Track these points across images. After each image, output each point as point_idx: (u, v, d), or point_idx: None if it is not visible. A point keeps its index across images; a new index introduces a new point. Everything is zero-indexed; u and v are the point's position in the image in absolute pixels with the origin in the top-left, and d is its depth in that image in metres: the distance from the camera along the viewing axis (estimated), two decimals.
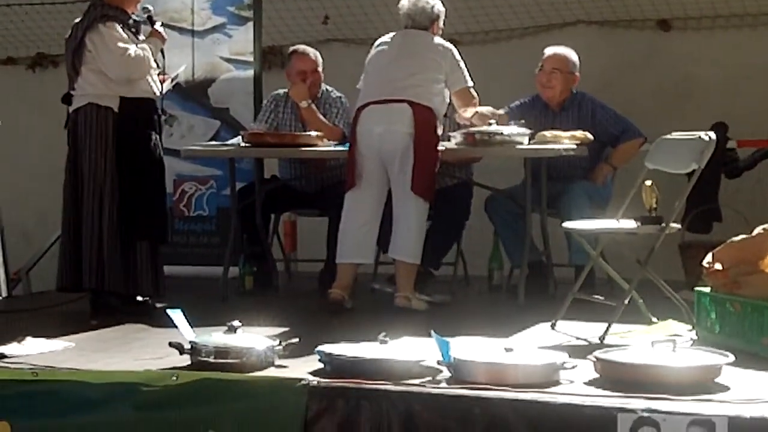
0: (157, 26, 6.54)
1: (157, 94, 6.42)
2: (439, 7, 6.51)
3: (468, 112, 6.53)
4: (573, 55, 7.12)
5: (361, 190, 6.33)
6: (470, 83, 6.48)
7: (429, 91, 6.32)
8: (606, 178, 7.05)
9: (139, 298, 6.36)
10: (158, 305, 6.18)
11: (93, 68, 6.26)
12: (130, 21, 6.37)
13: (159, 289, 6.37)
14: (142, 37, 6.42)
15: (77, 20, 6.37)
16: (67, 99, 6.38)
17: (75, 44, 6.28)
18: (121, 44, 6.21)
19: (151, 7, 6.58)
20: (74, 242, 6.28)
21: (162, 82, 6.51)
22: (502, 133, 6.43)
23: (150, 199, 6.33)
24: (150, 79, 6.35)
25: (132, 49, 6.23)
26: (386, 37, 6.57)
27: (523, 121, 6.65)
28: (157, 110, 6.44)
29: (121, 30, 6.26)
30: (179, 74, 7.04)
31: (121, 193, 6.24)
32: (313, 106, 7.14)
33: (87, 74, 6.27)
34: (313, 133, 6.89)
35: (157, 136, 6.40)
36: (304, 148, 6.81)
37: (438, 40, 6.46)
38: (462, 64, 6.47)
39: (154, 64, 6.39)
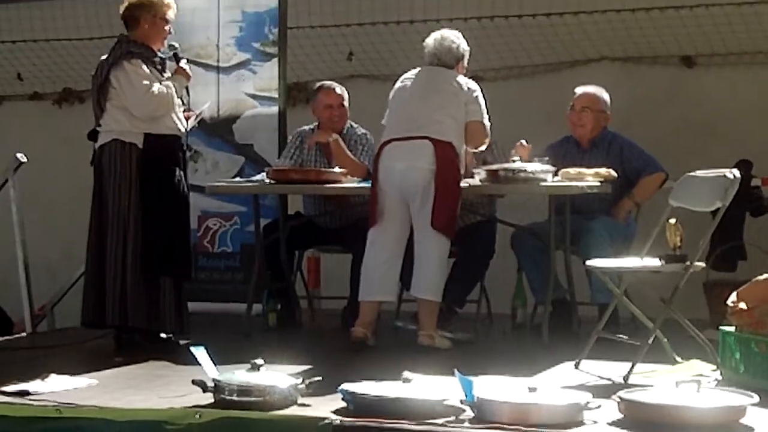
0: (183, 63, 6.58)
1: (182, 130, 6.46)
2: (465, 47, 6.54)
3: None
4: (604, 94, 7.14)
5: (383, 226, 6.33)
6: (486, 119, 6.45)
7: (451, 127, 6.32)
8: (628, 213, 7.03)
9: (163, 335, 6.36)
10: (182, 342, 6.19)
11: (118, 105, 6.29)
12: (156, 58, 6.41)
13: (183, 326, 6.38)
14: (167, 74, 6.46)
15: (103, 57, 6.41)
16: (93, 135, 6.42)
17: (100, 81, 6.32)
18: (144, 81, 6.24)
19: (177, 45, 6.62)
20: (98, 278, 6.30)
21: (187, 119, 6.55)
22: (525, 170, 6.43)
23: (174, 236, 6.34)
24: (175, 116, 6.39)
25: (156, 86, 6.26)
26: (410, 73, 6.59)
27: (546, 158, 6.65)
28: (182, 147, 6.47)
29: (145, 67, 6.29)
30: (204, 111, 7.07)
31: (144, 230, 6.25)
32: (341, 141, 7.16)
33: (112, 111, 6.31)
34: (338, 170, 6.91)
35: (182, 173, 6.42)
36: (328, 185, 6.83)
37: (462, 78, 6.47)
38: (482, 101, 6.47)
39: (178, 101, 6.42)
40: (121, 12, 6.45)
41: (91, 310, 6.33)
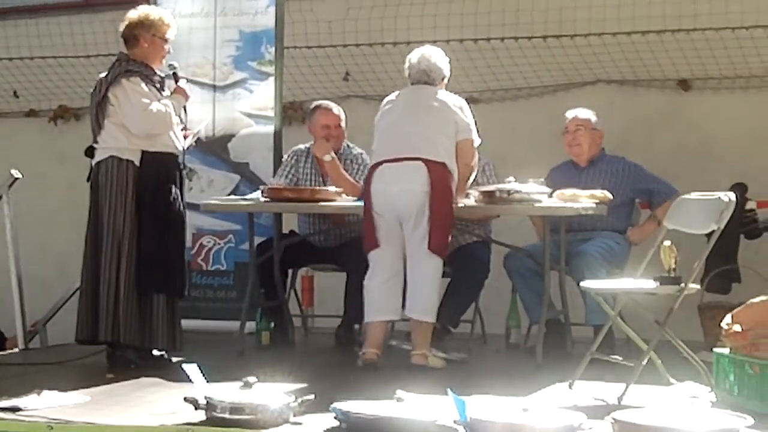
0: (182, 83, 6.59)
1: (179, 149, 6.46)
2: (447, 66, 6.53)
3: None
4: (592, 114, 7.22)
5: (382, 248, 6.31)
6: (476, 138, 6.45)
7: (443, 145, 6.30)
8: (651, 235, 7.02)
9: (156, 352, 6.34)
10: (174, 359, 6.18)
11: (116, 122, 6.29)
12: (155, 77, 6.41)
13: (176, 343, 6.36)
14: (166, 92, 6.46)
15: (102, 75, 6.41)
16: (90, 152, 6.42)
17: (99, 98, 6.32)
18: (143, 99, 6.24)
19: (176, 64, 6.63)
20: (92, 294, 6.29)
21: (185, 137, 6.54)
22: (520, 191, 6.43)
23: (168, 253, 6.33)
24: (173, 134, 6.38)
25: (154, 104, 6.26)
26: (394, 95, 6.58)
27: (542, 179, 6.65)
28: (179, 165, 6.47)
29: (144, 85, 6.29)
30: (201, 130, 7.08)
31: (139, 247, 6.25)
32: (337, 161, 7.15)
33: (110, 127, 6.30)
34: (332, 189, 6.91)
35: (178, 191, 6.42)
36: (322, 203, 6.83)
37: (448, 94, 6.47)
38: (471, 118, 6.47)
39: (177, 120, 6.42)
40: (120, 30, 6.46)
41: (84, 327, 6.30)
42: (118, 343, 6.25)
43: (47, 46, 9.95)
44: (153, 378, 5.86)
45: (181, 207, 6.44)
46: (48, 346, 7.56)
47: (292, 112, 9.21)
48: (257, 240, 7.24)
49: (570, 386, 5.65)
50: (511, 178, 6.56)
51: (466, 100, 7.66)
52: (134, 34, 6.38)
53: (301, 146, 7.48)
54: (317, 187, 7.15)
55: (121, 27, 6.45)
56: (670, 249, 5.48)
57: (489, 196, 6.50)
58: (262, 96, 7.90)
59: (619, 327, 6.00)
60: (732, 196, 5.47)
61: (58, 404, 5.04)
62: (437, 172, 6.22)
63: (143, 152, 6.28)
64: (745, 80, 8.44)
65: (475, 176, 7.03)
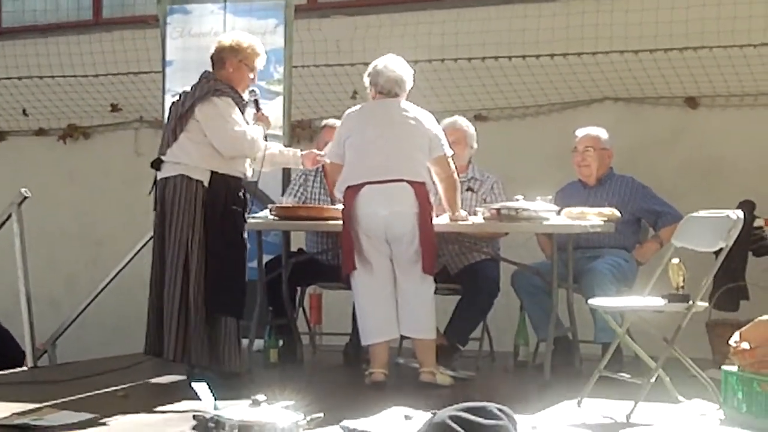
0: (264, 110, 6.57)
1: (248, 176, 6.39)
2: (411, 74, 6.48)
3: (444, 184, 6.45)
4: (603, 133, 7.22)
5: (372, 269, 6.28)
6: (448, 151, 6.43)
7: (421, 163, 6.31)
8: (653, 255, 7.04)
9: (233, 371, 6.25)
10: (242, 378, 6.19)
11: (193, 139, 6.19)
12: (242, 101, 6.34)
13: (242, 363, 6.32)
14: (247, 117, 6.39)
15: (187, 89, 6.32)
16: (157, 164, 6.31)
17: (182, 111, 6.22)
18: (237, 121, 6.18)
19: (257, 90, 6.56)
20: (158, 311, 6.20)
21: None
22: (528, 209, 6.44)
23: (235, 276, 6.25)
24: (249, 161, 6.35)
25: (249, 129, 6.22)
26: (357, 109, 6.48)
27: (549, 197, 6.66)
28: (243, 189, 6.37)
29: (237, 108, 6.24)
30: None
31: (207, 269, 6.16)
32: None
33: (185, 143, 6.20)
34: (340, 207, 6.91)
35: (243, 215, 6.35)
36: (331, 222, 6.84)
37: (416, 108, 6.41)
38: (441, 132, 6.47)
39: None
40: (211, 51, 6.41)
41: (152, 341, 6.23)
42: (188, 363, 6.20)
43: (57, 65, 9.99)
44: (160, 397, 5.87)
45: (245, 232, 6.39)
46: (57, 364, 7.57)
47: (300, 130, 9.24)
48: (266, 258, 7.26)
49: (578, 404, 5.65)
50: (520, 197, 6.57)
51: (474, 117, 7.71)
52: (221, 57, 6.32)
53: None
54: (326, 206, 7.16)
55: (212, 48, 6.42)
56: (678, 267, 5.49)
57: (496, 213, 6.51)
58: (271, 115, 7.91)
59: (628, 345, 6.00)
60: (740, 213, 5.48)
61: (67, 422, 5.05)
62: (422, 192, 6.25)
63: (213, 173, 6.20)
64: (753, 98, 8.45)
65: (483, 194, 7.07)
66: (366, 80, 6.46)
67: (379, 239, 6.26)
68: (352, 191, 6.28)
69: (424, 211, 6.23)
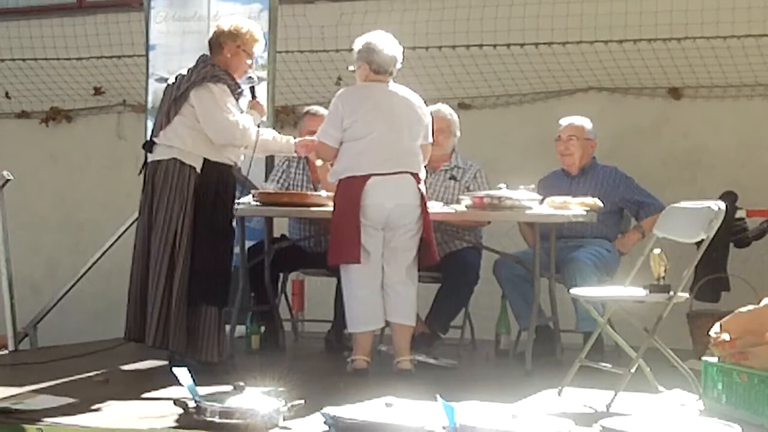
0: (261, 98, 6.53)
1: (238, 164, 6.36)
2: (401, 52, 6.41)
3: None
4: (588, 123, 7.21)
5: (369, 258, 6.25)
6: (431, 140, 6.45)
7: (420, 156, 6.33)
8: (635, 245, 7.05)
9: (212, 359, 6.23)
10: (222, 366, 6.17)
11: (187, 123, 6.14)
12: (238, 89, 6.28)
13: (222, 352, 6.29)
14: (242, 104, 6.35)
15: (183, 72, 6.25)
16: (149, 146, 6.24)
17: (177, 94, 6.15)
18: (231, 109, 6.14)
19: (255, 78, 6.51)
20: (141, 296, 6.16)
21: None
22: (511, 198, 6.45)
23: (220, 266, 6.23)
24: (240, 150, 6.30)
25: (242, 118, 6.17)
26: (357, 93, 6.32)
27: (532, 186, 6.67)
28: (233, 177, 6.36)
29: (231, 95, 6.20)
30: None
31: (193, 257, 6.12)
32: (329, 165, 7.14)
33: (178, 127, 6.14)
34: (323, 193, 6.91)
35: (233, 204, 6.34)
36: (314, 208, 6.83)
37: (413, 93, 6.36)
38: (430, 119, 6.47)
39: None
40: (209, 36, 6.37)
41: (133, 328, 6.20)
42: (167, 349, 6.17)
43: (39, 48, 9.95)
44: (143, 381, 5.87)
45: (234, 221, 6.37)
46: (38, 347, 7.56)
47: (284, 116, 9.23)
48: (248, 244, 7.25)
49: (559, 393, 5.67)
50: (503, 185, 6.57)
51: (457, 105, 7.69)
52: (219, 42, 6.26)
53: None
54: (309, 192, 7.15)
55: (210, 32, 6.37)
56: (659, 257, 5.50)
57: (479, 202, 6.51)
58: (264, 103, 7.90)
59: (609, 334, 6.02)
60: (722, 205, 5.49)
61: (47, 406, 5.04)
62: (421, 183, 6.28)
63: (205, 160, 6.16)
64: (736, 89, 8.47)
65: (466, 183, 7.09)
66: (355, 56, 6.33)
67: (378, 229, 6.26)
68: (357, 181, 6.20)
69: (424, 202, 6.27)
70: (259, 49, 6.41)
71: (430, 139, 6.42)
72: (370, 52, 6.28)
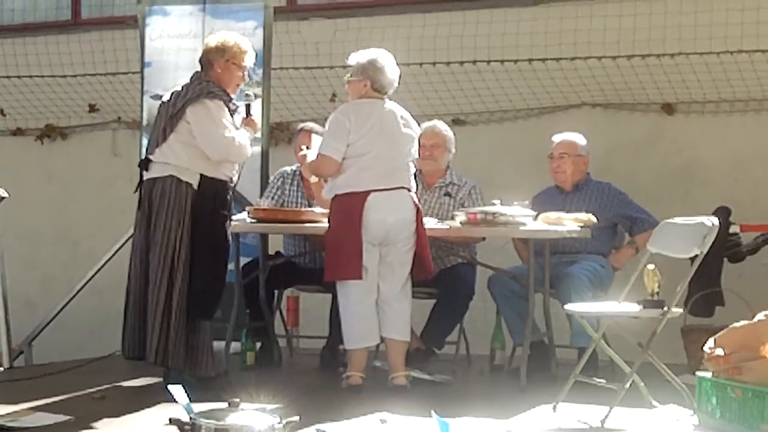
0: (255, 116, 6.55)
1: (234, 180, 6.37)
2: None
3: None
4: (580, 139, 7.22)
5: (367, 274, 6.27)
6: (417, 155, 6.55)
7: (412, 172, 6.39)
8: (628, 261, 7.07)
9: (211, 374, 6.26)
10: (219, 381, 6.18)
11: (183, 140, 6.15)
12: (232, 104, 6.29)
13: (217, 367, 6.32)
14: (236, 120, 6.36)
15: (178, 89, 6.28)
16: (145, 164, 6.26)
17: (173, 111, 6.17)
18: (228, 126, 6.15)
19: (252, 95, 6.57)
20: (141, 313, 6.15)
21: None
22: (505, 214, 6.46)
23: (217, 282, 6.24)
24: (236, 165, 6.32)
25: (238, 134, 6.19)
26: (359, 109, 6.30)
27: (526, 202, 6.68)
28: (230, 193, 6.35)
29: (227, 111, 6.21)
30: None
31: (192, 273, 6.13)
32: (323, 182, 7.15)
33: (174, 144, 6.15)
34: (318, 210, 6.92)
35: (230, 220, 6.34)
36: (308, 225, 6.84)
37: (406, 112, 6.42)
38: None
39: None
40: (199, 54, 6.38)
41: (131, 345, 6.18)
42: (167, 368, 6.17)
43: (35, 65, 9.96)
44: (138, 398, 5.87)
45: (230, 237, 6.37)
46: (33, 365, 7.55)
47: (278, 132, 9.24)
48: (243, 260, 7.25)
49: (554, 408, 5.67)
50: (497, 201, 6.59)
51: (452, 121, 7.70)
52: (209, 59, 6.28)
53: (287, 168, 7.50)
54: (303, 209, 7.16)
55: (200, 52, 6.38)
56: (653, 273, 5.52)
57: (474, 218, 6.53)
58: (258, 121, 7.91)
59: (603, 350, 6.03)
60: (715, 220, 5.51)
61: (43, 423, 5.04)
62: (414, 198, 6.31)
63: (202, 176, 6.16)
64: (729, 104, 8.49)
65: (461, 199, 7.11)
66: (358, 70, 6.32)
67: (373, 244, 6.27)
68: (357, 197, 6.22)
69: (420, 216, 6.31)
70: (250, 60, 6.41)
71: (416, 155, 6.48)
72: (375, 71, 6.30)
